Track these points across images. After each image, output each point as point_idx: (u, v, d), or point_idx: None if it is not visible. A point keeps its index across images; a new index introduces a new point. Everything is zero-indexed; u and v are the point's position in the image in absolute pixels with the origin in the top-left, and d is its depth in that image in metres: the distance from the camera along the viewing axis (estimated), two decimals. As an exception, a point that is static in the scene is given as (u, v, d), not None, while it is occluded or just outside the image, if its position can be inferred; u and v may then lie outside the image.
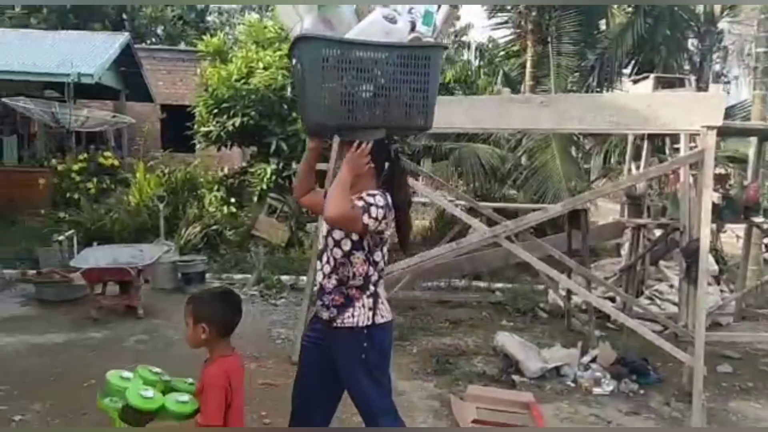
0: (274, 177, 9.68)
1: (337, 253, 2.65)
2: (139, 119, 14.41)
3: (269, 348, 5.43)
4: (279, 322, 6.29)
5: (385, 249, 2.72)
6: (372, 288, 2.67)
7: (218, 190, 10.47)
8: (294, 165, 9.31)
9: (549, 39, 10.97)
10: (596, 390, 4.69)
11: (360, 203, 2.57)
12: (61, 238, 7.91)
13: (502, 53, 13.90)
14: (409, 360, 5.24)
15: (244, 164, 11.39)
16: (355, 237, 2.62)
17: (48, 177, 10.64)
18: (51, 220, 9.52)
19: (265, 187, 9.72)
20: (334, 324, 2.66)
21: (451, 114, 4.28)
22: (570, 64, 10.90)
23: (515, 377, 4.89)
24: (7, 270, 7.58)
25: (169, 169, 10.76)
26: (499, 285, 7.91)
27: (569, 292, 6.20)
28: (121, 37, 13.32)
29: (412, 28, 2.61)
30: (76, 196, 10.32)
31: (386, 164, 2.68)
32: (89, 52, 12.03)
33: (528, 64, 11.35)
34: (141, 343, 5.52)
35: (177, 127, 12.16)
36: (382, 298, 2.71)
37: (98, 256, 6.52)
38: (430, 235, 9.83)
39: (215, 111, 9.79)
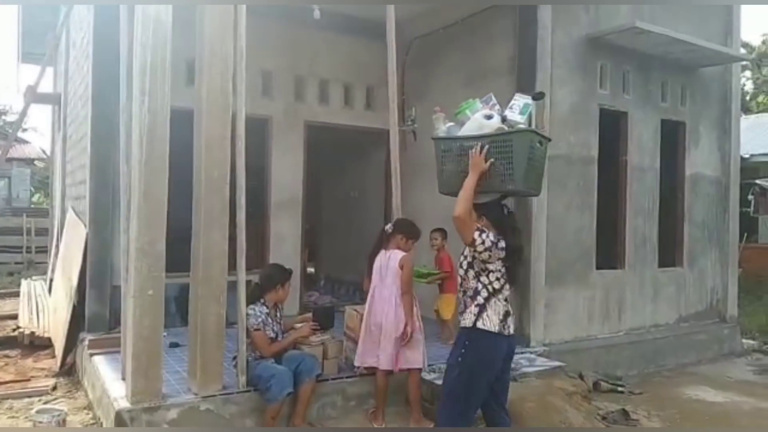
0: None
1: (461, 271, 3.62)
2: None
3: None
4: None
5: (492, 276, 3.48)
6: (480, 300, 3.48)
7: None
8: None
9: None
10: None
11: (477, 225, 3.46)
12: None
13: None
14: None
15: None
16: (468, 260, 3.54)
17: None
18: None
19: None
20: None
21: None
22: None
23: None
24: (746, 340, 8.19)
25: None
26: None
27: None
28: None
29: (503, 120, 3.61)
30: None
31: (501, 218, 3.55)
32: None
33: None
34: None
35: None
36: (489, 312, 3.46)
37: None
38: None
39: None
